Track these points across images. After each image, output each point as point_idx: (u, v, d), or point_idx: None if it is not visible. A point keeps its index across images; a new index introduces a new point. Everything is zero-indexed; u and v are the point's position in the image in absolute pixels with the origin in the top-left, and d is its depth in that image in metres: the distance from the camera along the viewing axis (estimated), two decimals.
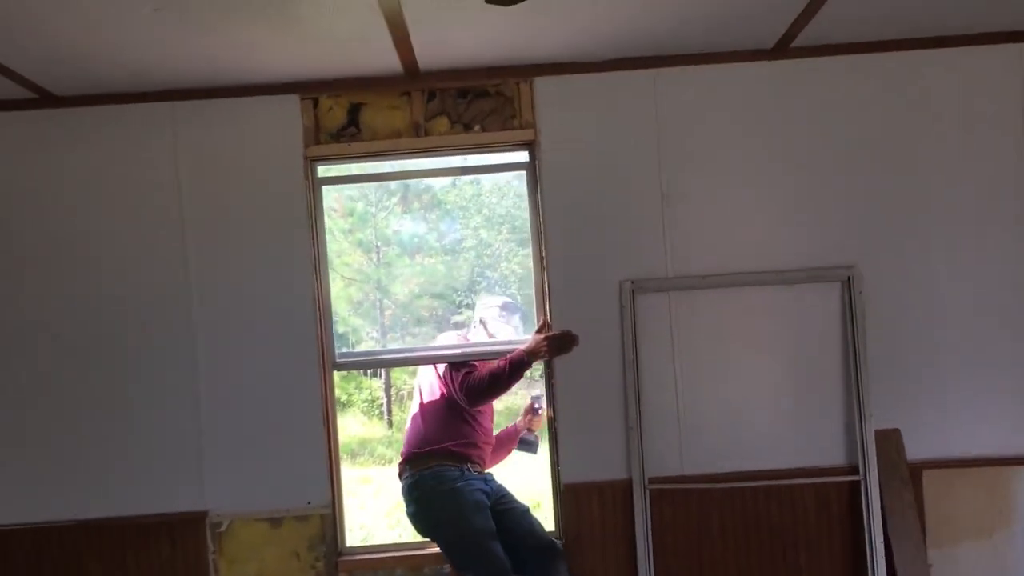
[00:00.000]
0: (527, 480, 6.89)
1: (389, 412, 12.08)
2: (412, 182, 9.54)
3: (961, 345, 3.85)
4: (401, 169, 4.22)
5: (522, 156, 3.96)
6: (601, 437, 3.87)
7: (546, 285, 3.89)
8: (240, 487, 3.87)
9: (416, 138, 3.87)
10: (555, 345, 3.70)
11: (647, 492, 3.83)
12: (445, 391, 3.77)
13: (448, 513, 3.59)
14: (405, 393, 12.36)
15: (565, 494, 3.89)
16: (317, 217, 3.92)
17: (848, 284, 3.83)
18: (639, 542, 3.80)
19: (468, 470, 3.69)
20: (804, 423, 3.87)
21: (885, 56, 3.82)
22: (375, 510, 8.44)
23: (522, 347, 3.71)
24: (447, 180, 9.88)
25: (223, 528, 3.89)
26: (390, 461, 10.33)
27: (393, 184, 9.80)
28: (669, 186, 3.85)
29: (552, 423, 3.94)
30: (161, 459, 3.86)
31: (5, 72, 3.42)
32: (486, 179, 10.32)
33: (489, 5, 2.50)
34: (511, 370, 3.63)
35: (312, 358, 3.86)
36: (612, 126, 3.85)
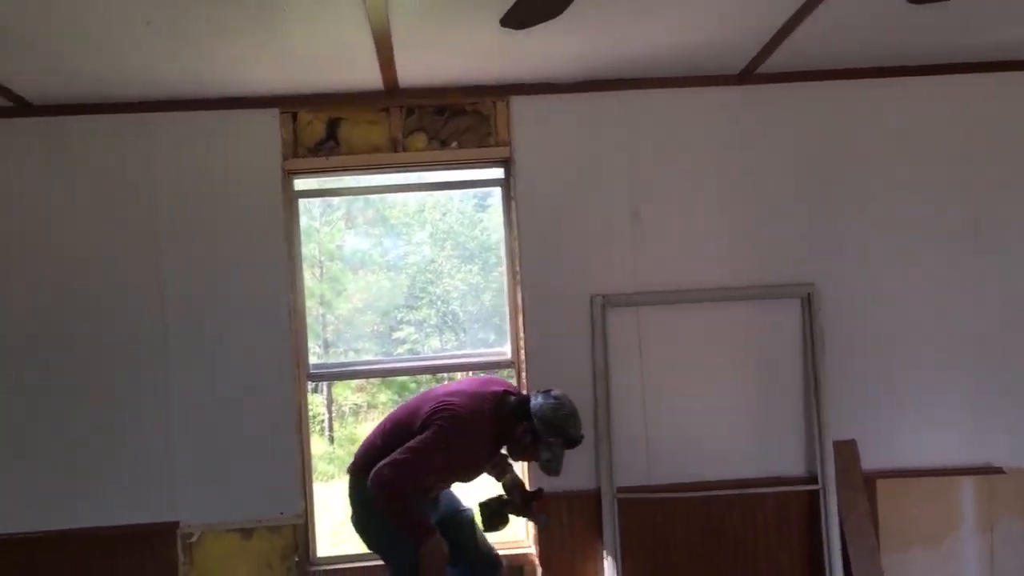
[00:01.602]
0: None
1: (330, 428, 11.98)
2: (382, 195, 9.46)
3: (914, 359, 4.05)
4: (376, 184, 4.26)
5: (497, 173, 4.06)
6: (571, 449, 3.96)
7: (519, 299, 3.98)
8: (212, 498, 3.87)
9: (394, 153, 3.94)
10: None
11: (615, 501, 3.94)
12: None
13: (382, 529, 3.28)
14: (347, 409, 12.30)
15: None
16: (293, 229, 3.96)
17: (807, 300, 4.00)
18: (607, 550, 3.90)
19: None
20: (765, 434, 4.03)
21: (845, 83, 4.02)
22: (321, 526, 8.38)
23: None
24: (392, 196, 9.87)
25: (194, 539, 3.88)
26: (332, 477, 10.21)
27: (337, 199, 9.77)
28: (639, 204, 3.98)
29: None
30: (132, 469, 3.84)
31: None
32: (429, 197, 10.35)
33: (472, 25, 2.55)
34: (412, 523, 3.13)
35: (287, 368, 3.89)
36: (585, 145, 3.98)
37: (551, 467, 3.21)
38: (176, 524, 3.85)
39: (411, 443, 3.10)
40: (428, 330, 11.31)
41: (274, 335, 3.89)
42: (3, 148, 3.82)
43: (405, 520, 3.11)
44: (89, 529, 3.82)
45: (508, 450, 3.37)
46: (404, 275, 11.11)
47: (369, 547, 3.43)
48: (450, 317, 11.30)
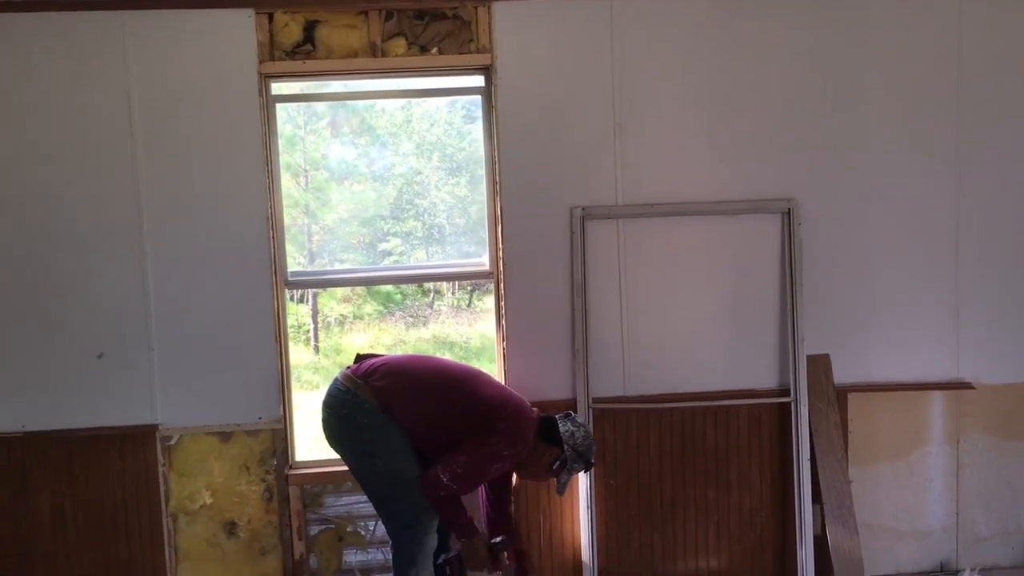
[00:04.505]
0: None
1: (316, 338, 12.02)
2: (366, 104, 9.29)
3: (890, 277, 4.08)
4: (355, 90, 4.19)
5: (478, 80, 3.99)
6: (548, 359, 4.00)
7: (498, 210, 3.96)
8: (191, 402, 3.89)
9: (373, 58, 3.86)
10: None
11: (591, 411, 3.99)
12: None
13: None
14: (332, 319, 12.32)
15: None
16: (271, 134, 3.90)
17: (788, 216, 3.99)
18: None
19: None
20: (741, 348, 4.07)
21: None
22: (304, 434, 8.46)
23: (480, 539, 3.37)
24: (374, 103, 9.70)
25: (173, 442, 3.92)
26: (316, 387, 10.26)
27: (321, 107, 9.60)
28: (622, 116, 3.93)
29: (502, 343, 4.05)
30: (111, 373, 3.85)
31: None
32: (416, 106, 10.20)
33: None
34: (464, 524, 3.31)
35: (265, 275, 3.88)
36: (569, 54, 3.90)
37: (564, 488, 3.39)
38: (155, 427, 3.89)
39: (472, 448, 3.22)
40: (414, 242, 11.28)
41: (252, 242, 3.86)
42: None
43: (458, 521, 3.29)
44: (72, 431, 3.85)
45: (523, 470, 3.47)
46: (391, 186, 11.00)
47: (355, 473, 3.43)
48: (436, 230, 11.27)
